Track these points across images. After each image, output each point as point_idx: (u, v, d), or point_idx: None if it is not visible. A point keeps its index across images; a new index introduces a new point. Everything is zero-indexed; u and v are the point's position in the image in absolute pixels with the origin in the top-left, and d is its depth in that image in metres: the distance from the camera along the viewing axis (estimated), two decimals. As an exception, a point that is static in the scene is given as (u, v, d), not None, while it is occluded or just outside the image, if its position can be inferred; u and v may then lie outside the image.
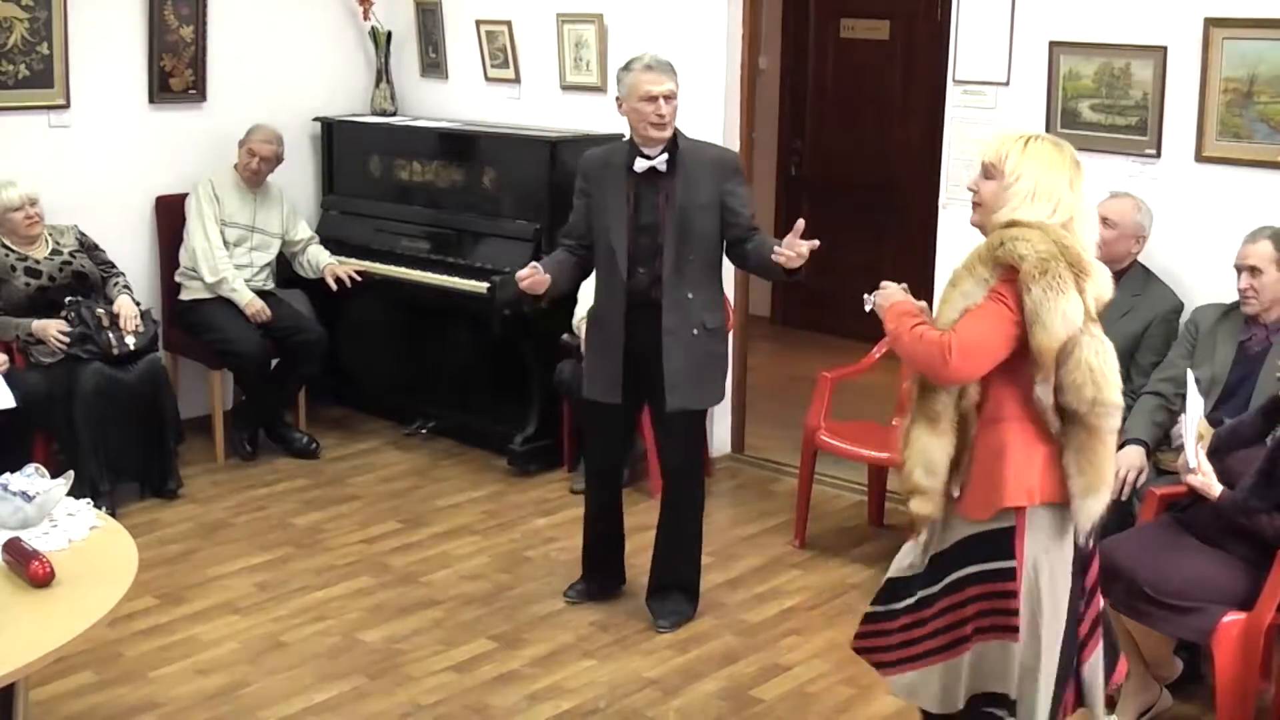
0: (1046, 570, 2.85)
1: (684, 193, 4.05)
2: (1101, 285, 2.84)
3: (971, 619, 2.89)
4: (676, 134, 4.10)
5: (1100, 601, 3.03)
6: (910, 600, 3.00)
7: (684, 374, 4.08)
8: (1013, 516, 2.84)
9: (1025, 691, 2.89)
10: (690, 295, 4.07)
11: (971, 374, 2.80)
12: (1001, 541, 2.84)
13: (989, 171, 2.87)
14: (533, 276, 4.04)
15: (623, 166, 4.11)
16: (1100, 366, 2.79)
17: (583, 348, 5.08)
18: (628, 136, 4.18)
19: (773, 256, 3.89)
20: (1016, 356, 2.80)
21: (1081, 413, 2.79)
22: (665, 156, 4.07)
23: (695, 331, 4.08)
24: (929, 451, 2.87)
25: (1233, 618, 3.38)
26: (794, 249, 3.83)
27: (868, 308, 3.03)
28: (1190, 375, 3.77)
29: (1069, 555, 2.88)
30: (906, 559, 3.06)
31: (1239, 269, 3.96)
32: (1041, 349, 2.75)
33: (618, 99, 4.13)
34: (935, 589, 2.95)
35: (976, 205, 2.92)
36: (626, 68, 4.10)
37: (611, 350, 4.14)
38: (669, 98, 4.03)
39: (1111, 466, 2.87)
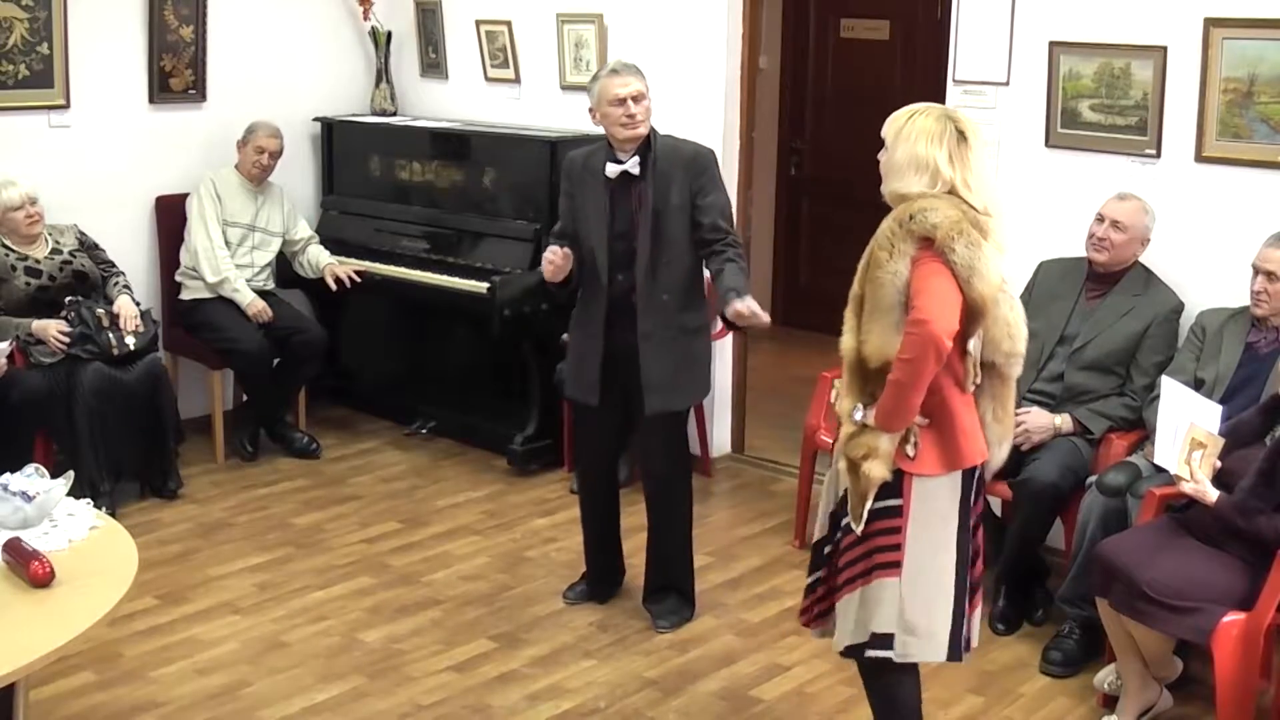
0: (935, 509, 2.98)
1: (656, 196, 4.01)
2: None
3: (861, 558, 3.02)
4: (652, 135, 4.06)
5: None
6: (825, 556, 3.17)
7: (662, 376, 4.07)
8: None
9: (935, 625, 3.02)
10: (667, 298, 4.04)
11: (953, 331, 2.87)
12: (891, 483, 2.97)
13: (884, 144, 3.05)
14: (554, 262, 3.99)
15: (600, 171, 4.08)
16: (1015, 321, 3.00)
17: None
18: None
19: (725, 307, 3.85)
20: None
21: (998, 364, 3.01)
22: (636, 160, 4.04)
23: (673, 334, 4.07)
24: None
25: (1233, 618, 3.37)
26: (740, 315, 3.81)
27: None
28: (1168, 382, 3.74)
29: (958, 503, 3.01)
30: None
31: (1256, 270, 3.94)
32: (984, 298, 2.89)
33: (590, 110, 4.08)
34: (836, 537, 3.10)
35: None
36: (594, 78, 4.08)
37: (591, 353, 4.14)
38: (637, 98, 3.99)
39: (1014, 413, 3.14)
